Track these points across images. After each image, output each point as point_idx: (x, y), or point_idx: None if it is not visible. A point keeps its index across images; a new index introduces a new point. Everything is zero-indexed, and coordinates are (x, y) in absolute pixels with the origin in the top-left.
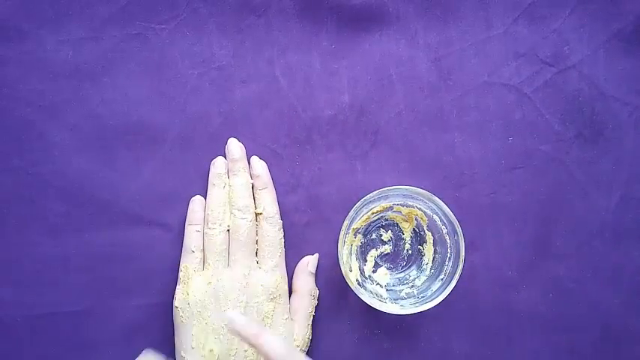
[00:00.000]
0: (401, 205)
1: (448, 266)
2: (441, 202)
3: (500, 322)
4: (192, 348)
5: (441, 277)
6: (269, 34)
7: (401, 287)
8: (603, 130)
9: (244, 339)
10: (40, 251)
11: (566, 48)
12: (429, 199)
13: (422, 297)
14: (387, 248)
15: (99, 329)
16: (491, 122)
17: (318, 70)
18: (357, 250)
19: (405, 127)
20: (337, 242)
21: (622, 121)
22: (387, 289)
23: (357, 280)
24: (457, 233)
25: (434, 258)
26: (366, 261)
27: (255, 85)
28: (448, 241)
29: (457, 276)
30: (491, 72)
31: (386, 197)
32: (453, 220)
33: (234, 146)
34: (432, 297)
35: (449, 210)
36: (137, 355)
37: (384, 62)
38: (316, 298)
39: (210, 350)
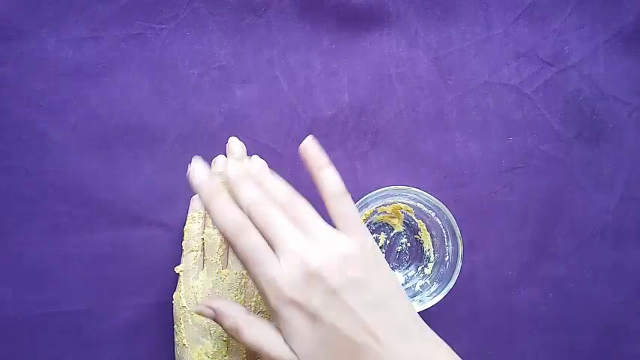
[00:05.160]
0: (382, 205)
1: (449, 246)
2: (419, 190)
3: (500, 322)
4: (185, 346)
5: (447, 258)
6: (269, 34)
7: (414, 281)
8: (603, 130)
9: (310, 167)
10: (40, 251)
11: (566, 48)
12: (408, 192)
13: (430, 291)
14: (384, 250)
15: (99, 329)
16: (492, 122)
17: (318, 70)
18: None
19: (405, 127)
20: None
21: (622, 121)
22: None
23: None
24: (444, 213)
25: (433, 242)
26: None
27: (255, 85)
28: (440, 223)
29: (458, 268)
30: (491, 72)
31: (366, 205)
32: (436, 203)
33: (235, 145)
34: (432, 296)
35: (428, 195)
36: (137, 356)
37: (384, 62)
38: None
39: (204, 349)
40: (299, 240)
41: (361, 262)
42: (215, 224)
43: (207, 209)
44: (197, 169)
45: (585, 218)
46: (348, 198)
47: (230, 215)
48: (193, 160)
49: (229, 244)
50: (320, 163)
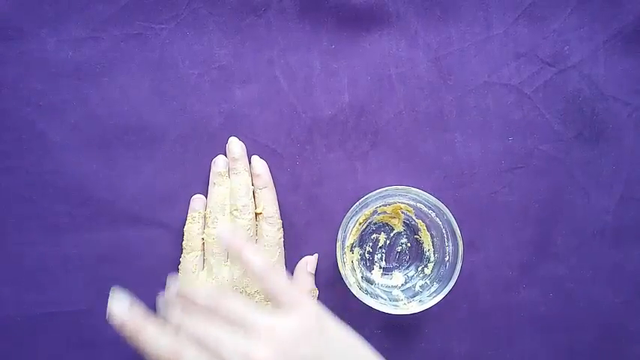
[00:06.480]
0: (382, 205)
1: (449, 246)
2: (419, 190)
3: (500, 322)
4: None
5: (447, 258)
6: (269, 34)
7: (414, 281)
8: (603, 130)
9: (231, 252)
10: (40, 251)
11: (566, 48)
12: (408, 192)
13: (429, 291)
14: (384, 251)
15: (99, 329)
16: (492, 122)
17: (318, 70)
18: (359, 264)
19: (405, 127)
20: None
21: (622, 121)
22: (401, 290)
23: (365, 289)
24: (444, 213)
25: (433, 242)
26: (372, 269)
27: (255, 85)
28: (440, 223)
29: (458, 268)
30: (491, 72)
31: (366, 205)
32: (436, 203)
33: (235, 145)
34: (432, 296)
35: (428, 195)
36: (137, 355)
37: (384, 62)
38: (315, 299)
39: None
40: (238, 341)
41: (306, 335)
42: (149, 358)
43: (136, 346)
44: (115, 309)
45: (585, 218)
46: (275, 270)
47: (161, 342)
48: (110, 298)
49: None
50: (238, 246)
